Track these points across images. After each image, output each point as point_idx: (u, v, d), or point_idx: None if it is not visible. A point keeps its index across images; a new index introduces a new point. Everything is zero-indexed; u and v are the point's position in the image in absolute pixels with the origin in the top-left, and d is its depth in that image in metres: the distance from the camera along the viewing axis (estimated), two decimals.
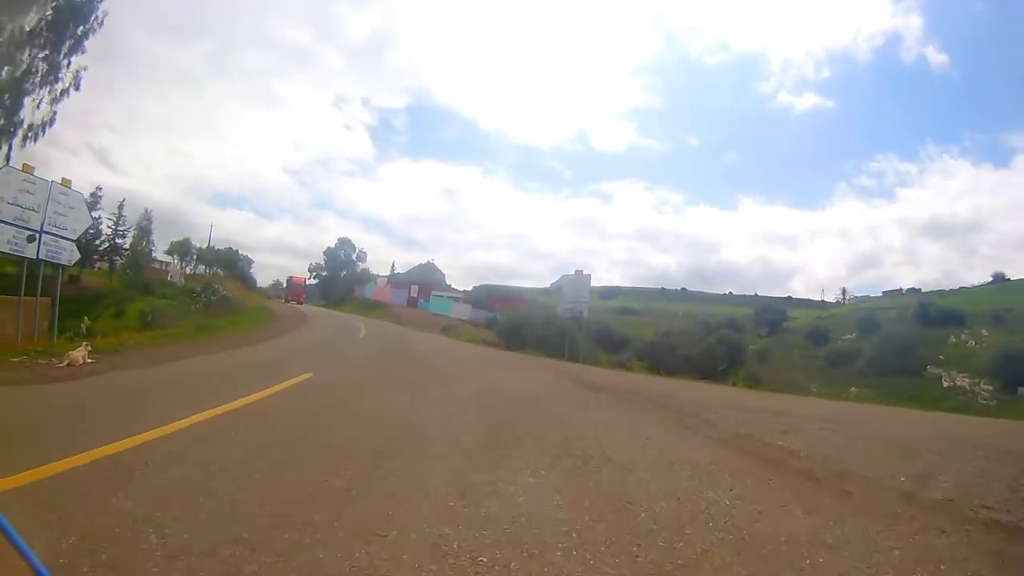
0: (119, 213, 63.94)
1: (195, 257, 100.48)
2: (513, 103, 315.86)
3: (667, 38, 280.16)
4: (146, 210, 68.87)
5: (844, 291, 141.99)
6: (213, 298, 37.11)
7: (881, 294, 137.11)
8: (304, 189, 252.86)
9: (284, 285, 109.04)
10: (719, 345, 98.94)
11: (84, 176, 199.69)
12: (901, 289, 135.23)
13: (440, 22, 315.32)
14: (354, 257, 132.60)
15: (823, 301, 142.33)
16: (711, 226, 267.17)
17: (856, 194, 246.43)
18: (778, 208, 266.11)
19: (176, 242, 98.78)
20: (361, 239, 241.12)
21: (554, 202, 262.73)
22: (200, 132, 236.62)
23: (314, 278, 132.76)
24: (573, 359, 33.00)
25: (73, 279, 54.48)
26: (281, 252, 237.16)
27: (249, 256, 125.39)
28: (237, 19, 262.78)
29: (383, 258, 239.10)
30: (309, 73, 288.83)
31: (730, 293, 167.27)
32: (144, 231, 66.08)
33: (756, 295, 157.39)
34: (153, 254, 70.29)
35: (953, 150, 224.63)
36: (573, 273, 32.24)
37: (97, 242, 61.69)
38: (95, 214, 60.36)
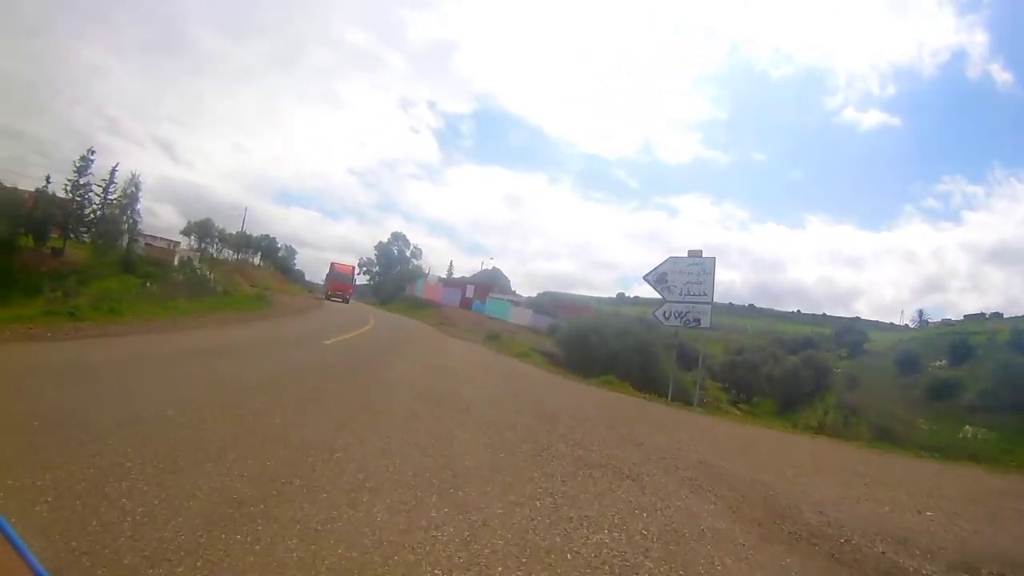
0: (109, 179, 54.22)
1: (217, 240, 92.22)
2: (579, 111, 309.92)
3: (731, 49, 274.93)
4: (133, 175, 58.30)
5: (920, 313, 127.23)
6: (178, 277, 31.54)
7: (963, 317, 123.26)
8: (369, 190, 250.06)
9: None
10: (805, 366, 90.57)
11: (149, 167, 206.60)
12: (984, 313, 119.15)
13: (505, 28, 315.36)
14: (408, 254, 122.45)
15: (906, 325, 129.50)
16: (777, 243, 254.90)
17: (922, 216, 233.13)
18: (844, 228, 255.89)
19: (195, 222, 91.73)
20: (426, 242, 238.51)
21: (620, 213, 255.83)
22: (264, 129, 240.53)
23: (365, 274, 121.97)
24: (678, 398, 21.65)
25: (56, 252, 48.26)
26: (346, 251, 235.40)
27: (292, 246, 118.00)
28: (300, 19, 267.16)
29: (446, 262, 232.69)
30: (374, 75, 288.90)
31: (798, 311, 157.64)
32: (130, 199, 55.50)
33: (824, 315, 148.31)
34: (139, 227, 60.22)
35: (1021, 174, 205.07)
36: (685, 255, 20.53)
37: (86, 212, 52.52)
38: (83, 179, 52.62)
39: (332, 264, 77.78)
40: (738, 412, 41.34)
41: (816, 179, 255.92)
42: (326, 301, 60.72)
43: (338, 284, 70.99)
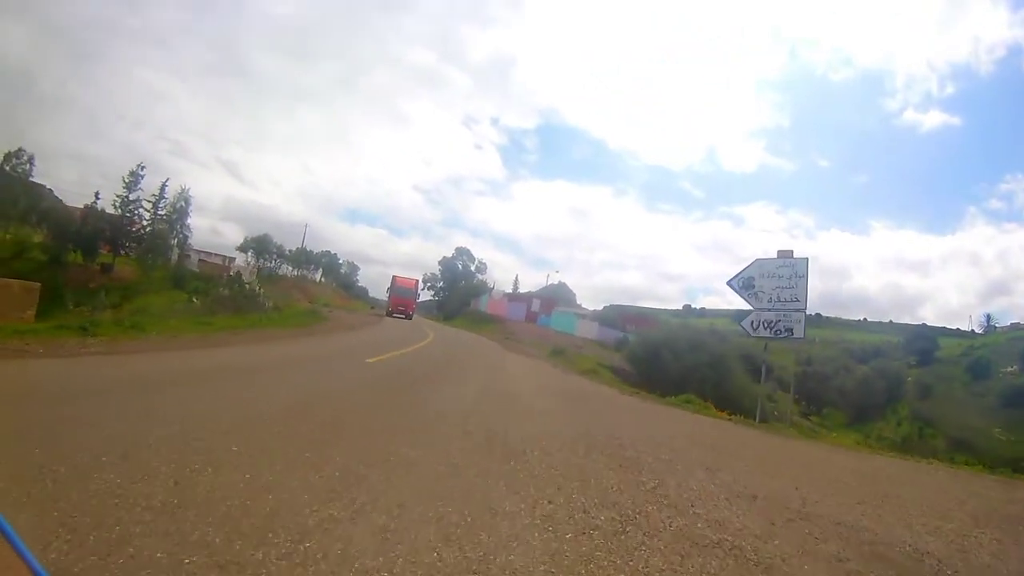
0: (159, 195, 53.65)
1: (276, 256, 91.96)
2: (641, 123, 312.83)
3: (790, 53, 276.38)
4: (183, 189, 57.93)
5: (989, 318, 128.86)
6: (224, 292, 29.33)
7: None
8: (435, 207, 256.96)
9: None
10: (876, 377, 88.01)
11: (216, 189, 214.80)
12: None
13: (565, 43, 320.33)
14: (472, 268, 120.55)
15: (972, 331, 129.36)
16: (842, 250, 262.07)
17: (986, 218, 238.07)
18: (908, 232, 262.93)
19: (252, 238, 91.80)
20: (492, 257, 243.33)
21: (685, 224, 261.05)
22: (329, 149, 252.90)
23: (429, 290, 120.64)
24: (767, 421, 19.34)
25: (105, 268, 48.48)
26: (412, 267, 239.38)
27: (354, 262, 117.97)
28: (362, 40, 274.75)
29: (512, 277, 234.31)
30: (437, 93, 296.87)
31: (864, 319, 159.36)
32: (179, 214, 54.56)
33: (891, 322, 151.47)
34: (189, 241, 59.56)
35: None
36: (775, 256, 17.76)
37: (134, 228, 51.86)
38: (133, 195, 52.51)
39: (393, 278, 70.76)
40: (824, 431, 38.71)
41: (879, 183, 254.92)
42: (386, 318, 57.73)
43: (400, 299, 66.11)
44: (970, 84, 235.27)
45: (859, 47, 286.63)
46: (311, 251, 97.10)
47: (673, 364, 42.73)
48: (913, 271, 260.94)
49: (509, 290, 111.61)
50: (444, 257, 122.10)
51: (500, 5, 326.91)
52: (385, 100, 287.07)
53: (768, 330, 17.62)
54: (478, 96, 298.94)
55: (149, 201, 53.48)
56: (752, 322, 18.00)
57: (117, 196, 52.09)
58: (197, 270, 48.97)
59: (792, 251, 17.80)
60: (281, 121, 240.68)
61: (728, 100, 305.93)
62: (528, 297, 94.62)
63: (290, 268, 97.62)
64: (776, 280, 17.56)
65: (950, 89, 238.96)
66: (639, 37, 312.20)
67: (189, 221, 56.20)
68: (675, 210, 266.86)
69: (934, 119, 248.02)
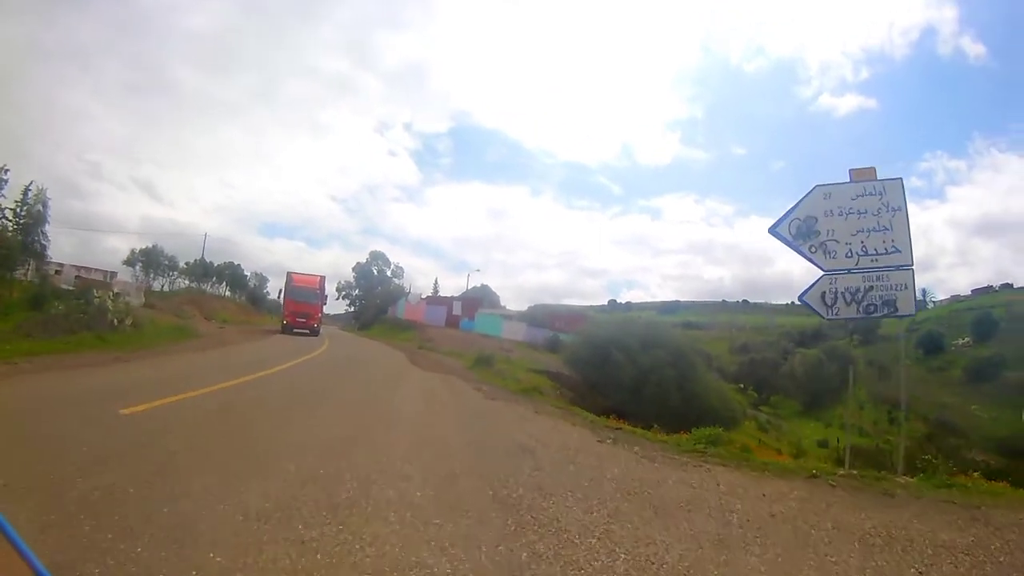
0: (22, 200, 43.82)
1: (168, 269, 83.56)
2: (556, 121, 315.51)
3: (703, 47, 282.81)
4: (39, 190, 45.55)
5: (925, 293, 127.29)
6: (58, 308, 25.04)
7: (971, 292, 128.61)
8: (352, 216, 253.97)
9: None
10: (829, 360, 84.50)
11: (131, 209, 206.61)
12: (992, 286, 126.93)
13: (475, 45, 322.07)
14: (388, 273, 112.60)
15: (915, 306, 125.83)
16: (763, 236, 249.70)
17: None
18: None
19: (139, 251, 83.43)
20: (412, 263, 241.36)
21: (604, 219, 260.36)
22: (246, 163, 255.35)
23: (344, 299, 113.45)
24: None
25: None
26: (332, 280, 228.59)
27: (263, 274, 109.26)
28: (277, 51, 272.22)
29: (432, 282, 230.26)
30: (351, 100, 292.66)
31: (792, 303, 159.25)
32: (35, 220, 44.72)
33: None
34: (48, 251, 49.72)
35: (1001, 143, 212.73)
36: (848, 179, 9.93)
37: None
38: None
39: (289, 276, 48.31)
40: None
41: (798, 168, 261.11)
42: (279, 334, 41.80)
43: (298, 305, 45.18)
44: (885, 67, 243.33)
45: (772, 37, 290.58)
46: (211, 263, 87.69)
47: (627, 365, 35.63)
48: None
49: (429, 294, 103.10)
50: (358, 263, 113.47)
51: (413, 9, 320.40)
52: (302, 110, 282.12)
53: (855, 304, 9.92)
54: (391, 102, 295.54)
55: (11, 209, 43.80)
56: (825, 294, 10.23)
57: None
58: (71, 287, 39.80)
59: (874, 168, 10.23)
60: (201, 136, 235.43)
61: (641, 95, 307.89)
62: (448, 300, 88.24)
63: (186, 282, 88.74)
64: (857, 219, 9.89)
65: (865, 73, 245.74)
66: (551, 37, 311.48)
67: (47, 228, 46.07)
68: (593, 206, 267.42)
69: (850, 103, 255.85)
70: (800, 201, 10.49)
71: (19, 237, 42.73)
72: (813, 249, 10.29)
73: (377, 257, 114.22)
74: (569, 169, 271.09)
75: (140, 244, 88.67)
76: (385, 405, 12.34)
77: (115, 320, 25.02)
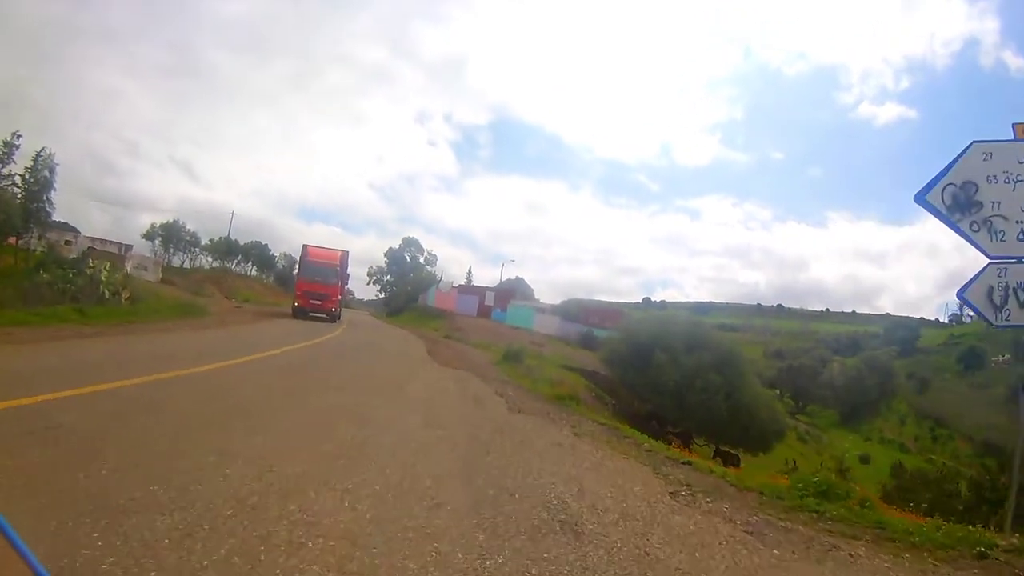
0: (33, 166, 42.18)
1: (189, 245, 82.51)
2: (595, 117, 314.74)
3: (745, 49, 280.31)
4: (44, 152, 43.99)
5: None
6: (44, 277, 23.09)
7: None
8: (390, 204, 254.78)
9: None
10: (869, 371, 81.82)
11: (168, 188, 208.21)
12: None
13: (516, 38, 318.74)
14: (421, 260, 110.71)
15: (949, 320, 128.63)
16: (800, 242, 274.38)
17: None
18: (866, 224, 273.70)
19: (160, 225, 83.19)
20: (448, 253, 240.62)
21: (641, 217, 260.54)
22: (284, 148, 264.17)
23: (376, 283, 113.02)
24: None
25: None
26: (366, 264, 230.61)
27: (292, 255, 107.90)
28: (315, 39, 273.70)
29: (466, 271, 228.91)
30: (389, 90, 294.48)
31: (827, 310, 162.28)
32: (41, 186, 42.37)
33: (854, 312, 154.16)
34: (53, 216, 47.36)
35: None
36: (1016, 134, 7.02)
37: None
38: (6, 169, 41.59)
39: (304, 249, 41.26)
40: None
41: (836, 176, 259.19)
42: (293, 317, 36.35)
43: (313, 284, 38.12)
44: (926, 77, 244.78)
45: (813, 42, 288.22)
46: (236, 242, 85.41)
47: (669, 367, 32.48)
48: (872, 262, 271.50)
49: (462, 283, 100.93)
50: (390, 248, 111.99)
51: (452, 2, 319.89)
52: (339, 98, 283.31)
53: None
54: (431, 92, 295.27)
55: (21, 176, 41.82)
56: (993, 290, 7.02)
57: None
58: (79, 256, 37.64)
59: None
60: (236, 120, 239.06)
61: (682, 94, 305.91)
62: (481, 290, 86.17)
63: (209, 260, 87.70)
64: None
65: (905, 83, 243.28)
66: (593, 33, 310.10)
67: (54, 194, 43.83)
68: (630, 204, 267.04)
69: (890, 112, 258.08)
70: (954, 161, 7.20)
71: (24, 203, 40.75)
72: (975, 227, 7.02)
73: (410, 243, 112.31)
74: (608, 166, 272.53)
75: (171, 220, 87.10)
76: (363, 425, 8.45)
77: (107, 293, 23.09)
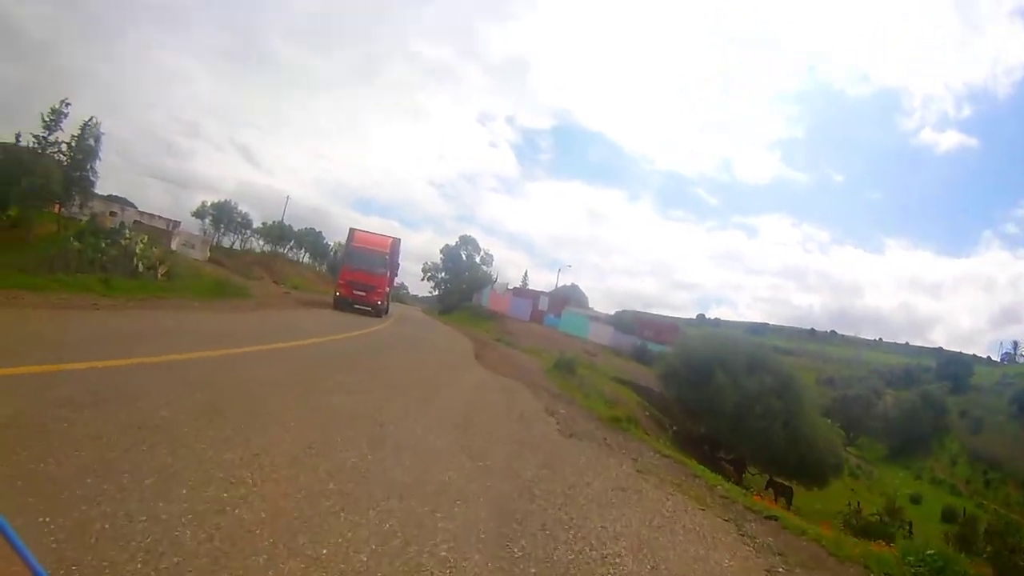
0: (80, 135, 41.52)
1: (240, 226, 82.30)
2: (657, 128, 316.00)
3: (808, 67, 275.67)
4: (91, 121, 42.88)
5: (1016, 346, 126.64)
6: (74, 245, 21.83)
7: None
8: (448, 202, 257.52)
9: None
10: (923, 406, 79.14)
11: (228, 171, 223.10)
12: None
13: (580, 45, 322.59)
14: (478, 259, 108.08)
15: (1002, 358, 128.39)
16: (856, 267, 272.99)
17: (1001, 242, 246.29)
18: (923, 253, 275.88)
19: (211, 204, 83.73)
20: (505, 256, 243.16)
21: (699, 232, 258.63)
22: (344, 139, 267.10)
23: (430, 280, 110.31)
24: None
25: (15, 222, 38.35)
26: (419, 260, 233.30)
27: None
28: (379, 32, 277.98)
29: (522, 274, 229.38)
30: (453, 88, 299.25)
31: (880, 339, 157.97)
32: (85, 154, 41.65)
33: (907, 343, 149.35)
34: (98, 186, 47.17)
35: None
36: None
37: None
38: (53, 136, 40.39)
39: (351, 233, 37.55)
40: None
41: (894, 201, 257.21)
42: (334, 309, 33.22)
43: (358, 274, 33.68)
44: (988, 106, 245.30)
45: (876, 64, 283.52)
46: (290, 227, 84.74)
47: (729, 390, 30.59)
48: (926, 293, 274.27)
49: (517, 286, 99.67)
50: (446, 245, 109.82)
51: (517, 2, 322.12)
52: (401, 92, 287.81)
53: None
54: (494, 94, 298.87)
55: (67, 144, 41.26)
56: None
57: (34, 137, 39.97)
58: (118, 228, 37.10)
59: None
60: (297, 108, 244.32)
61: (744, 109, 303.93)
62: (535, 293, 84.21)
63: (261, 243, 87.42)
64: None
65: (967, 110, 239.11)
66: (657, 44, 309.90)
67: (99, 163, 43.14)
68: (688, 217, 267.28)
69: (951, 140, 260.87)
70: None
71: (67, 170, 40.32)
72: None
73: (467, 242, 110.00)
74: (667, 177, 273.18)
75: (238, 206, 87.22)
76: (375, 445, 6.56)
77: (140, 266, 22.02)
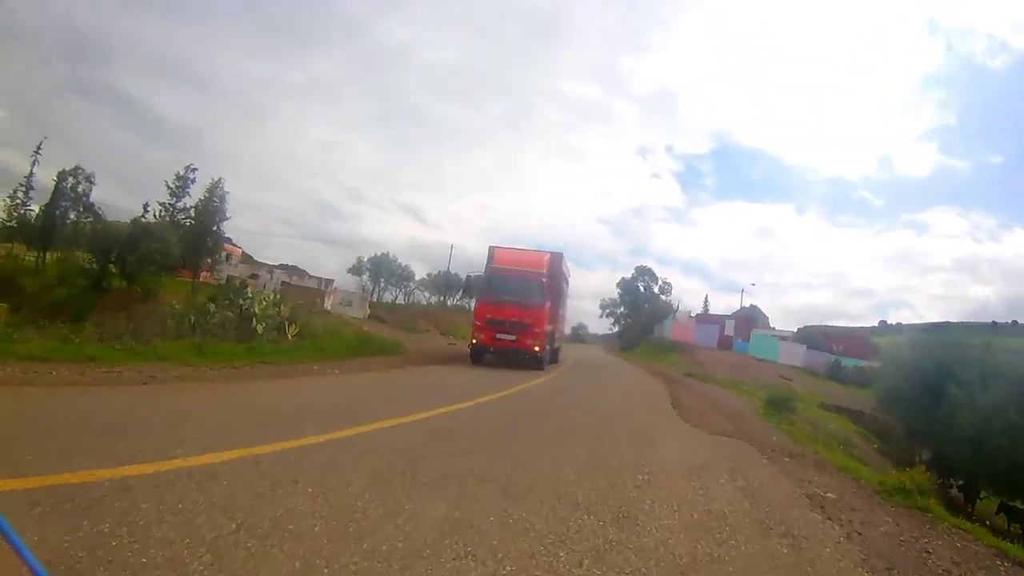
0: (208, 197, 43.19)
1: (400, 278, 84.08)
2: (813, 135, 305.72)
3: (947, 45, 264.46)
4: (216, 181, 44.19)
5: None
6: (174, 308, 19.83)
7: None
8: (619, 237, 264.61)
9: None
10: None
11: (398, 230, 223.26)
12: None
13: (727, 63, 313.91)
14: (656, 289, 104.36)
15: None
16: None
17: None
18: None
19: (367, 259, 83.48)
20: (680, 283, 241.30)
21: (868, 236, 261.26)
22: (505, 187, 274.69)
23: (608, 317, 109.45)
24: None
25: (148, 295, 35.68)
26: (596, 298, 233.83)
27: None
28: (524, 79, 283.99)
29: (701, 301, 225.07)
30: (605, 126, 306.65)
31: None
32: (212, 215, 42.59)
33: None
34: (223, 250, 49.74)
35: None
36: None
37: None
38: (181, 202, 43.33)
39: (490, 252, 27.18)
40: None
41: None
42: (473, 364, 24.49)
43: (502, 309, 24.05)
44: None
45: (1012, 29, 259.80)
46: (455, 275, 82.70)
47: (966, 408, 25.05)
48: None
49: (698, 312, 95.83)
50: (622, 278, 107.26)
51: (653, 31, 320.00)
52: (554, 135, 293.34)
53: None
54: (647, 126, 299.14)
55: (196, 208, 43.00)
56: None
57: (160, 205, 41.74)
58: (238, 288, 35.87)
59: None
60: (454, 162, 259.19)
61: (893, 101, 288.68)
62: (720, 319, 78.85)
63: (427, 295, 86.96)
64: None
65: None
66: (794, 50, 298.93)
67: (227, 222, 44.59)
68: (857, 223, 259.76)
69: None
70: None
71: (192, 233, 41.23)
72: None
73: (643, 272, 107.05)
74: (831, 184, 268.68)
75: (408, 263, 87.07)
76: None
77: (259, 328, 19.73)
